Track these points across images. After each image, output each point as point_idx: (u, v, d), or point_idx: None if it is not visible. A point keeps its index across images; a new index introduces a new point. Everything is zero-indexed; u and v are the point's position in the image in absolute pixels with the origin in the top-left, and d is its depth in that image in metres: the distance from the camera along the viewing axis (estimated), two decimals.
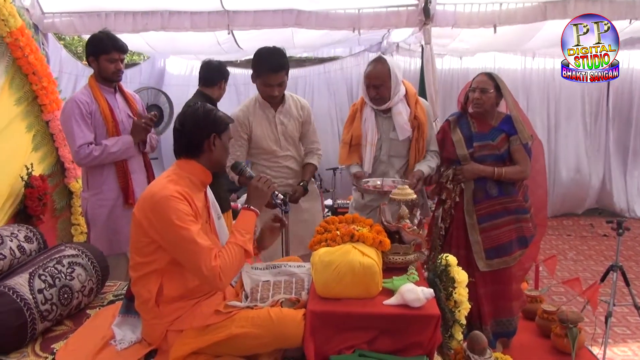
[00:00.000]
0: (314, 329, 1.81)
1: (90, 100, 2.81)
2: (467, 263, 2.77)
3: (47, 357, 1.94)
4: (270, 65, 2.68)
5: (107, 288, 2.55)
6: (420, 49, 5.18)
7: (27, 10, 4.04)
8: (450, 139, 2.86)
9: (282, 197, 2.21)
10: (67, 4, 4.29)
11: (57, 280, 2.15)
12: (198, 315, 1.90)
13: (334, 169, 5.64)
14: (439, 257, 2.06)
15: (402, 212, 2.19)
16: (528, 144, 2.79)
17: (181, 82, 6.48)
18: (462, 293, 1.97)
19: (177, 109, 3.73)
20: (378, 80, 2.73)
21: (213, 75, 3.42)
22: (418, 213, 2.86)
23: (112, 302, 2.39)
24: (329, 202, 5.15)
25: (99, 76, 2.89)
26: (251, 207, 2.01)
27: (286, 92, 2.89)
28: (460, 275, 2.00)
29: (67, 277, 2.20)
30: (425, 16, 4.35)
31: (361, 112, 2.92)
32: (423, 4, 4.30)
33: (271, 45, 2.78)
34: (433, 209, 3.08)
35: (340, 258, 1.87)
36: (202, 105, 2.00)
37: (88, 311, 2.32)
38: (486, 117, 2.82)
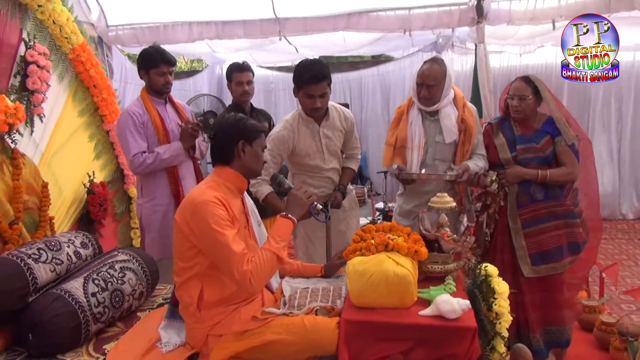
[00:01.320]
0: (347, 338, 1.82)
1: (142, 111, 2.95)
2: (512, 269, 2.70)
3: (98, 357, 2.04)
4: (311, 75, 2.60)
5: (158, 291, 2.66)
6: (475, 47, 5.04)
7: (93, 25, 4.28)
8: (493, 143, 2.78)
9: (320, 207, 2.22)
10: (129, 17, 4.53)
11: (109, 284, 2.27)
12: (236, 320, 1.96)
13: (385, 172, 5.59)
14: (479, 267, 2.00)
15: (441, 220, 2.15)
16: (575, 145, 2.67)
17: None
18: (502, 305, 1.90)
19: None
20: (433, 81, 2.69)
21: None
22: (465, 219, 2.81)
23: (161, 305, 2.49)
24: (380, 205, 5.11)
25: (150, 89, 3.02)
26: (289, 215, 2.04)
27: (330, 104, 2.82)
28: (501, 286, 1.93)
29: (119, 282, 2.32)
30: (478, 14, 4.23)
31: (407, 114, 2.88)
32: (476, 2, 4.18)
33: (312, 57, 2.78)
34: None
35: (374, 267, 1.87)
36: (234, 115, 2.08)
37: (139, 314, 2.43)
38: (528, 120, 2.72)
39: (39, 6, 3.00)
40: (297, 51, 5.48)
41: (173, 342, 2.06)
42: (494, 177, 2.67)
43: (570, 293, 2.81)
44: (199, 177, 3.15)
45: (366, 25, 4.52)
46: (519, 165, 2.70)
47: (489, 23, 4.31)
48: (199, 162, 3.22)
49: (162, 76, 2.96)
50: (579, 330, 3.04)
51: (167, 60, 2.97)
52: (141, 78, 3.05)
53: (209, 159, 3.50)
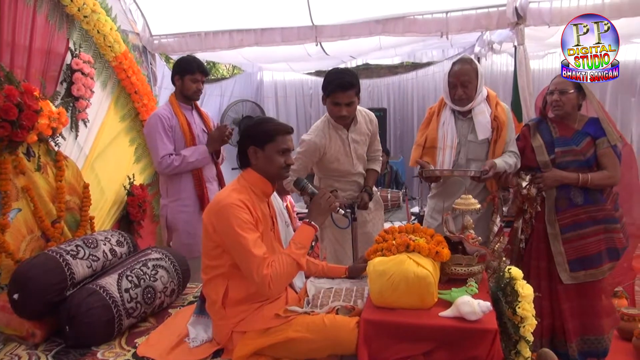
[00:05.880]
0: (367, 337, 1.83)
1: (171, 115, 3.07)
2: (548, 276, 2.63)
3: (130, 351, 2.13)
4: (339, 82, 2.62)
5: (189, 289, 2.75)
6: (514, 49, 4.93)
7: (138, 34, 4.47)
8: (530, 145, 2.71)
9: (342, 213, 2.24)
10: (171, 27, 4.69)
11: (142, 281, 2.36)
12: (259, 318, 2.00)
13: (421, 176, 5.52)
14: (502, 270, 1.97)
15: (465, 222, 2.13)
16: (617, 147, 2.58)
17: (273, 94, 6.78)
18: (526, 308, 1.87)
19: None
20: (467, 77, 2.70)
21: None
22: (498, 220, 2.76)
23: (192, 302, 2.56)
24: (415, 209, 5.07)
25: (180, 94, 3.14)
26: (311, 222, 2.06)
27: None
28: (525, 289, 1.90)
29: (151, 279, 2.41)
30: (518, 16, 4.15)
31: (438, 115, 2.88)
32: (515, 3, 4.10)
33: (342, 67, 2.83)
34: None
35: (394, 268, 1.87)
36: (255, 118, 2.12)
37: (170, 310, 2.51)
38: (568, 120, 2.65)
39: (85, 17, 3.17)
40: (326, 54, 5.50)
41: (200, 338, 2.12)
42: (527, 179, 2.62)
43: (609, 300, 2.71)
44: (221, 181, 3.25)
45: (402, 29, 4.50)
46: (557, 169, 2.63)
47: (528, 24, 4.22)
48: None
49: (195, 83, 3.09)
50: (618, 340, 2.92)
51: (203, 70, 3.10)
52: (174, 83, 3.16)
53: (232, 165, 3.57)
